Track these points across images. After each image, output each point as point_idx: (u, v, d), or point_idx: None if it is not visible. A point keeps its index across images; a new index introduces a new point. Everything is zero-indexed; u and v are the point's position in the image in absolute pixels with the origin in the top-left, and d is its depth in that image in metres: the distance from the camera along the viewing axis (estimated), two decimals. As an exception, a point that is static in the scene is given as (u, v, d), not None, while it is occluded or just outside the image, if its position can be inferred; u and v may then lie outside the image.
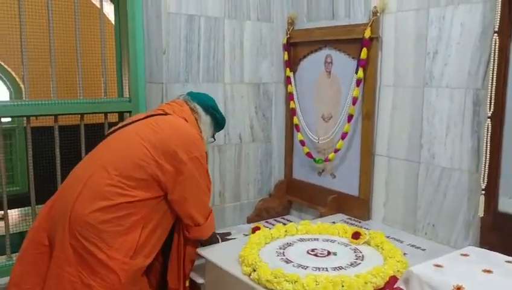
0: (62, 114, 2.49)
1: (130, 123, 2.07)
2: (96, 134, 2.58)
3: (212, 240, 2.25)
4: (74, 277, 1.79)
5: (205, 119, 2.18)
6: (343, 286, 1.72)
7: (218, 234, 2.36)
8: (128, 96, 2.71)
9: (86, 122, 2.63)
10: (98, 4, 2.70)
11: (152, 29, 2.64)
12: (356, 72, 2.57)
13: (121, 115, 2.70)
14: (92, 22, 3.10)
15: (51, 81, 2.49)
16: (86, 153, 2.23)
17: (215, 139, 2.35)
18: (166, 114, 2.06)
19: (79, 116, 2.60)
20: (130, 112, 2.65)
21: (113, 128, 2.14)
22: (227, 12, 2.83)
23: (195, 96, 2.22)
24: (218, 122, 2.27)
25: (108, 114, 2.68)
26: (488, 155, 2.00)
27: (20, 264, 1.92)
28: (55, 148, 2.52)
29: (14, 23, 2.51)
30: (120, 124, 2.13)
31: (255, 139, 3.09)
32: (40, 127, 2.88)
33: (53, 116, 2.50)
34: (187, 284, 2.13)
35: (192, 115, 2.12)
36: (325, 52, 2.84)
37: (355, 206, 2.71)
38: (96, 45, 2.74)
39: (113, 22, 3.28)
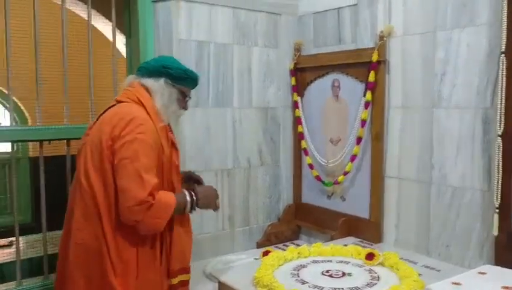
0: (74, 138, 2.50)
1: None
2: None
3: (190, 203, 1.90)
4: None
5: (157, 87, 1.89)
6: (361, 306, 1.70)
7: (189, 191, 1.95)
8: (138, 121, 2.72)
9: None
10: (107, 35, 2.75)
11: (163, 55, 2.69)
12: (364, 95, 2.61)
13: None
14: (103, 53, 3.16)
15: (64, 108, 2.52)
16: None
17: (190, 97, 2.03)
18: (118, 102, 1.90)
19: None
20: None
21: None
22: (236, 38, 2.90)
23: (142, 68, 1.96)
24: (177, 77, 1.92)
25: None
26: (500, 173, 2.02)
27: None
28: (67, 176, 2.50)
29: (29, 55, 2.54)
30: (87, 132, 1.94)
31: (264, 163, 3.10)
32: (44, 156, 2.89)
33: (65, 142, 2.52)
34: (172, 282, 1.91)
35: (145, 92, 1.89)
36: (332, 76, 2.89)
37: (366, 229, 2.70)
38: (107, 74, 2.77)
39: (121, 52, 3.36)
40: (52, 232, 2.52)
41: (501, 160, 2.01)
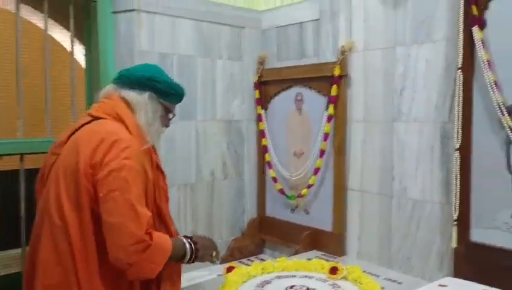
0: (30, 153, 2.39)
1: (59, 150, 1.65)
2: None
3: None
4: None
5: (141, 102, 1.65)
6: (325, 322, 1.68)
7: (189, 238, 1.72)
8: (98, 134, 2.65)
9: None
10: (66, 46, 2.68)
11: (124, 67, 2.62)
12: (327, 109, 2.63)
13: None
14: (61, 63, 3.07)
15: (18, 121, 2.41)
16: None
17: (174, 114, 1.80)
18: (93, 119, 1.64)
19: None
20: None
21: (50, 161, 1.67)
22: (199, 51, 2.87)
23: (123, 77, 1.70)
24: (163, 92, 1.69)
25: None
26: (458, 186, 2.06)
27: None
28: (20, 192, 2.38)
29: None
30: (54, 151, 1.67)
31: (227, 176, 3.07)
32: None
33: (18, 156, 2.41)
34: None
35: (126, 107, 1.65)
36: (295, 90, 2.91)
37: (330, 242, 2.70)
38: (65, 85, 2.69)
39: (81, 63, 3.27)
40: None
41: (459, 173, 2.06)
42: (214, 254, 1.78)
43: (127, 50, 2.63)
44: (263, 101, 3.08)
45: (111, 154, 1.49)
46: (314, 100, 2.78)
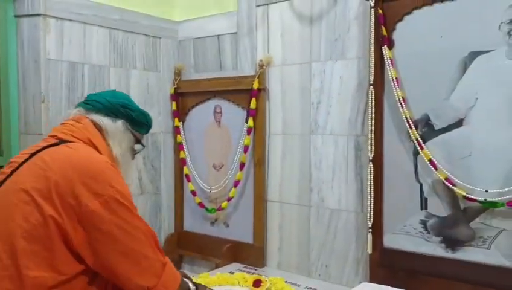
0: None
1: (15, 170, 1.42)
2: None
3: None
4: None
5: (114, 129, 1.56)
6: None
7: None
8: (-2, 149, 2.42)
9: None
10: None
11: (29, 75, 2.43)
12: (246, 121, 2.65)
13: (-11, 171, 2.37)
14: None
15: None
16: None
17: (144, 146, 1.71)
18: (61, 141, 1.46)
19: None
20: (1, 166, 2.34)
21: None
22: (113, 60, 2.75)
23: (95, 102, 1.58)
24: (136, 121, 1.62)
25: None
26: (371, 196, 2.18)
27: None
28: None
29: None
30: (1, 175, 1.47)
31: (144, 192, 2.96)
32: None
33: None
34: None
35: (98, 133, 1.53)
36: (213, 102, 2.89)
37: (251, 254, 2.71)
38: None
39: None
40: None
41: (372, 183, 2.18)
42: None
43: (31, 58, 2.43)
44: (180, 113, 3.02)
45: (101, 183, 1.35)
46: (233, 113, 2.79)
